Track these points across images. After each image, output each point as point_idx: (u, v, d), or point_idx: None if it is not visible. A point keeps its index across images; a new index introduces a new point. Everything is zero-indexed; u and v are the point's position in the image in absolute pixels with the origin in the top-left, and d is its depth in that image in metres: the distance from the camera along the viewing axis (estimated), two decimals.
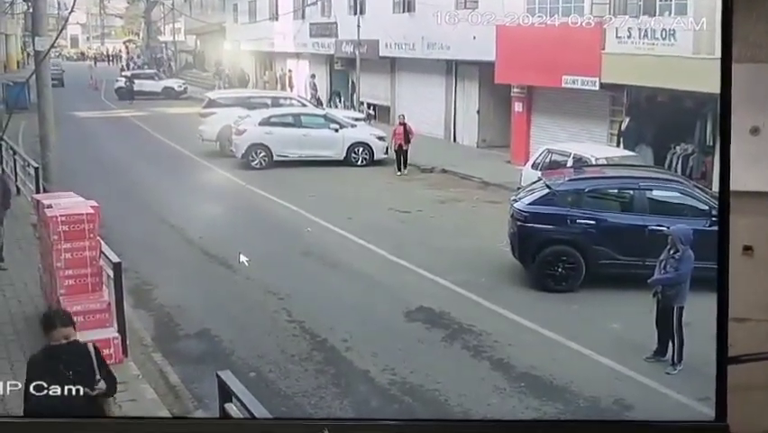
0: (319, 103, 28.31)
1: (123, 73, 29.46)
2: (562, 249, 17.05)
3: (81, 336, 14.09)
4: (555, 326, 15.60)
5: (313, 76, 29.26)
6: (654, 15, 18.85)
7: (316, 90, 28.89)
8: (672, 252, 14.13)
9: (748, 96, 11.36)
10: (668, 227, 15.26)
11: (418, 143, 24.56)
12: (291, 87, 29.79)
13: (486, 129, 24.87)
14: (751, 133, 11.97)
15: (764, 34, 12.06)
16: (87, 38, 30.24)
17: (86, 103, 27.47)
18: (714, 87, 10.58)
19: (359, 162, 23.98)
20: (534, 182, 18.82)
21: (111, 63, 30.88)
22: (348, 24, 26.59)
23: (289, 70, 30.09)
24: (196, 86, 29.85)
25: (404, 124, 23.80)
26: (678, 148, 20.03)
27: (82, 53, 30.00)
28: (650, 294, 14.54)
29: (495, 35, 21.27)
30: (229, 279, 17.77)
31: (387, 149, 24.27)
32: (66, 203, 15.37)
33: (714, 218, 14.08)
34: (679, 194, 17.18)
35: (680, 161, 19.87)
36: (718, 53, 10.58)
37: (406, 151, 23.76)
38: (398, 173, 23.59)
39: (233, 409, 11.43)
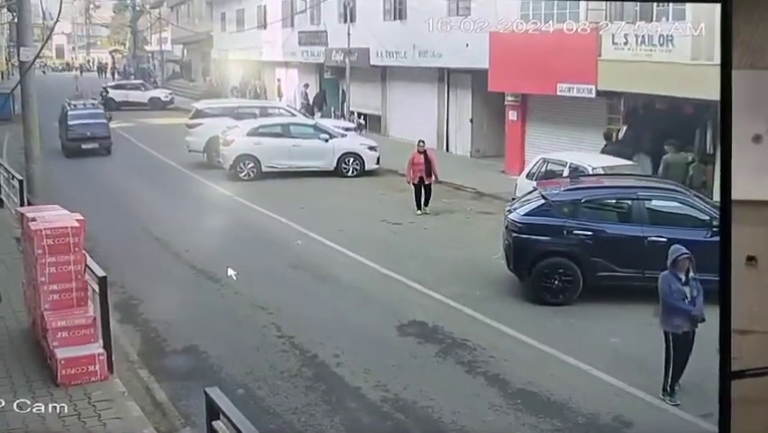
0: (310, 111, 28.28)
1: (106, 84, 29.47)
2: (559, 261, 16.87)
3: (66, 352, 14.01)
4: (552, 340, 15.39)
5: (306, 85, 29.25)
6: (652, 21, 18.74)
7: (308, 99, 28.91)
8: None
9: (750, 103, 11.15)
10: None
11: (410, 153, 24.44)
12: (280, 96, 29.79)
13: (479, 138, 24.84)
14: (753, 142, 11.76)
15: (766, 40, 11.86)
16: (73, 48, 30.16)
17: None
18: (714, 93, 10.39)
19: (349, 173, 23.93)
20: (530, 192, 18.67)
21: (100, 75, 30.84)
22: (338, 33, 26.61)
23: (278, 79, 30.09)
24: (183, 96, 29.81)
25: (424, 152, 22.34)
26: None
27: (67, 63, 29.92)
28: (648, 307, 14.38)
29: (488, 42, 21.20)
30: (217, 293, 17.64)
31: (378, 159, 24.16)
32: (51, 216, 15.13)
33: (715, 229, 13.88)
34: (679, 204, 17.00)
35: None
36: (718, 59, 10.40)
37: (430, 186, 22.31)
38: (418, 212, 22.24)
39: (220, 426, 11.19)
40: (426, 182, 22.01)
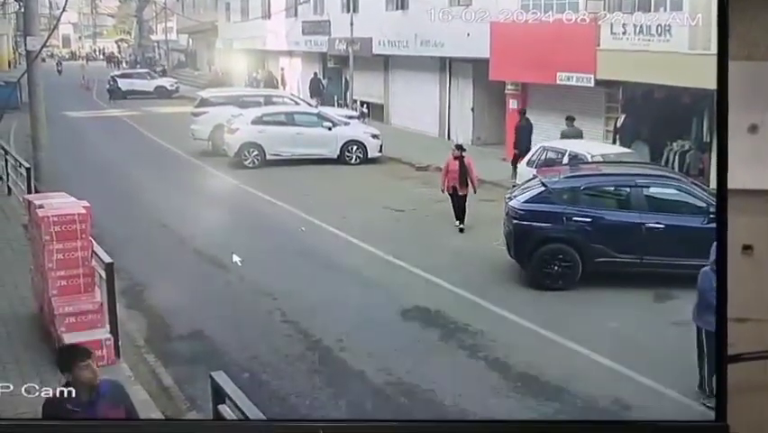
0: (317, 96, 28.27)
1: (112, 73, 29.43)
2: (559, 247, 16.97)
3: (73, 337, 14.18)
4: (552, 325, 15.50)
5: (315, 74, 29.23)
6: (649, 11, 18.80)
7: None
8: None
9: (746, 93, 11.29)
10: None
11: (413, 141, 24.50)
12: (284, 85, 29.77)
13: (480, 126, 24.79)
14: (749, 132, 11.90)
15: (761, 32, 12.00)
16: (79, 37, 30.15)
17: (78, 103, 27.42)
18: (710, 83, 10.52)
19: (353, 161, 23.90)
20: (530, 180, 18.76)
21: (109, 66, 30.81)
22: (341, 22, 26.55)
23: (281, 68, 30.08)
24: (188, 85, 29.82)
25: (460, 158, 19.99)
26: (675, 145, 20.05)
27: (72, 53, 29.92)
28: (646, 292, 14.56)
29: (489, 32, 21.23)
30: (222, 279, 17.66)
31: (381, 147, 24.14)
32: (58, 203, 15.29)
33: (712, 215, 14.02)
34: (676, 191, 17.11)
35: (676, 158, 19.89)
36: (715, 49, 10.51)
37: (465, 197, 20.04)
38: (457, 222, 20.13)
39: (226, 410, 11.36)
40: (461, 193, 19.93)
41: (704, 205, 16.17)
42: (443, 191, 20.30)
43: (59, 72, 27.88)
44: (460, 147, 20.44)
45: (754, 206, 11.77)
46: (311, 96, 28.53)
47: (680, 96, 19.29)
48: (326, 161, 23.49)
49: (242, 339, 15.43)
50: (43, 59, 23.01)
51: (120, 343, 14.70)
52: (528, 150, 21.51)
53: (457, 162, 19.97)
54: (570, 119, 21.68)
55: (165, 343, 15.78)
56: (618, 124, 21.25)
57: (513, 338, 15.39)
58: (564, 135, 21.46)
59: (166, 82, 29.49)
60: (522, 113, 22.54)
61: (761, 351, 11.41)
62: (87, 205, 15.05)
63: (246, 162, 23.22)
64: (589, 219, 16.96)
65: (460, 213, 20.07)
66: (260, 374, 14.44)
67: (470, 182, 19.97)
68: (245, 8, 29.32)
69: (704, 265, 11.99)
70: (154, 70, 30.62)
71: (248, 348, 15.13)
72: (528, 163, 20.58)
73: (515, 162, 21.89)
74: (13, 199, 20.61)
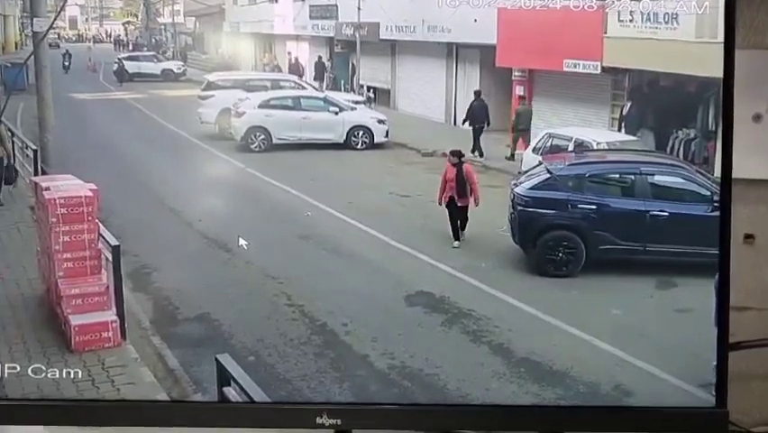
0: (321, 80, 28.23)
1: (119, 55, 29.37)
2: (563, 234, 16.90)
3: (80, 319, 14.30)
4: (555, 311, 15.49)
5: (320, 58, 29.19)
6: None
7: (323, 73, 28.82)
8: None
9: (751, 82, 11.37)
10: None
11: (419, 126, 24.49)
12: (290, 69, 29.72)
13: None
14: (753, 121, 11.96)
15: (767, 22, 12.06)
16: (86, 19, 30.13)
17: (85, 85, 27.40)
18: (716, 71, 10.57)
19: (359, 146, 23.87)
20: (535, 167, 18.76)
21: (117, 49, 30.80)
22: (348, 7, 26.52)
23: (289, 53, 30.06)
24: (195, 68, 29.81)
25: (458, 164, 18.15)
26: (680, 133, 20.05)
27: (79, 35, 29.91)
28: (649, 280, 14.62)
29: (496, 18, 21.24)
30: (228, 262, 17.58)
31: (387, 132, 24.14)
32: (64, 186, 15.40)
33: (715, 204, 14.09)
34: (680, 179, 17.12)
35: (682, 146, 19.90)
36: (721, 38, 10.56)
37: (465, 210, 18.25)
38: (456, 243, 18.37)
39: (231, 393, 11.48)
40: (460, 204, 18.12)
41: (708, 193, 16.11)
42: (439, 204, 18.28)
43: (67, 68, 27.72)
44: (457, 153, 18.58)
45: (757, 195, 11.86)
46: (314, 80, 28.50)
47: (686, 84, 19.27)
48: (332, 146, 23.50)
49: (248, 322, 15.50)
50: (57, 46, 23.04)
51: (126, 325, 14.81)
52: (482, 129, 21.73)
53: (455, 170, 18.28)
54: (522, 98, 21.88)
55: (171, 325, 15.85)
56: (624, 112, 21.26)
57: (516, 324, 15.45)
58: (517, 113, 21.62)
59: (173, 65, 29.42)
60: (477, 93, 22.71)
61: (761, 339, 11.51)
62: (94, 187, 15.15)
63: (252, 146, 23.20)
64: (593, 206, 16.93)
65: (460, 226, 18.40)
66: (266, 357, 14.53)
67: (471, 193, 18.33)
68: None
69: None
70: (173, 55, 30.61)
71: (253, 331, 15.21)
72: (534, 150, 20.60)
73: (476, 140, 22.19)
74: (19, 181, 20.63)
